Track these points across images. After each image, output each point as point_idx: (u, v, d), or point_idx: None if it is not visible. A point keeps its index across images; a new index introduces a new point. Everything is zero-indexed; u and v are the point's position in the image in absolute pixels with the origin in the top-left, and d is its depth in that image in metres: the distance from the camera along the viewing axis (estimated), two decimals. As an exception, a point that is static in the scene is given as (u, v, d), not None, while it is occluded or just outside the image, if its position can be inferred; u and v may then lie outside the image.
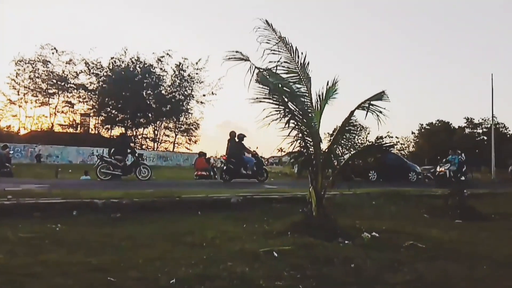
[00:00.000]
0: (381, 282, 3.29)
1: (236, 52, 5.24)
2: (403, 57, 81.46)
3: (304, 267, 3.66)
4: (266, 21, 5.56)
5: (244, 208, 7.70)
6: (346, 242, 5.01)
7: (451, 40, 78.08)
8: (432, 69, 79.09)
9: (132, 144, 29.33)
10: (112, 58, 39.77)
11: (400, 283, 3.28)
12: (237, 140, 15.17)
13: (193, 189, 10.07)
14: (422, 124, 52.01)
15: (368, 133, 41.68)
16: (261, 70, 5.69)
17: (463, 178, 19.11)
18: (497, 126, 44.81)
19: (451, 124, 50.01)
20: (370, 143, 22.24)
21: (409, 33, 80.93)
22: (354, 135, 6.34)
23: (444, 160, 20.25)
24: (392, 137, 46.52)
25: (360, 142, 35.01)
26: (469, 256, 4.32)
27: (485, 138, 42.50)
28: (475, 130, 48.06)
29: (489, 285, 3.25)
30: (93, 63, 40.61)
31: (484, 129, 45.15)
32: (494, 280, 3.39)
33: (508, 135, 45.37)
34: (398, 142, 50.02)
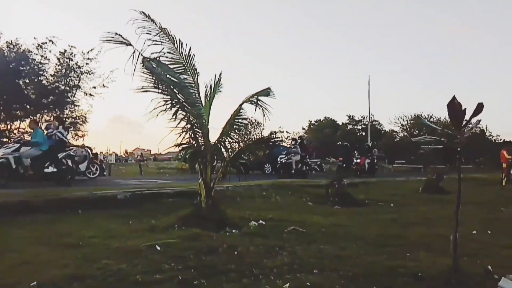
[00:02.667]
0: (260, 267, 3.38)
1: (116, 34, 4.88)
2: (294, 59, 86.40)
3: (186, 258, 3.59)
4: (143, 12, 5.34)
5: (132, 205, 7.30)
6: (233, 231, 5.09)
7: (334, 43, 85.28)
8: (320, 70, 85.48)
9: None
10: (-19, 41, 34.59)
11: (278, 266, 3.40)
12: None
13: (76, 187, 9.25)
14: (311, 121, 56.01)
15: (263, 129, 43.24)
16: (147, 58, 5.44)
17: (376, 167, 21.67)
18: (373, 123, 50.40)
19: (336, 121, 54.78)
20: (260, 137, 23.10)
21: (301, 34, 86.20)
22: (242, 127, 6.44)
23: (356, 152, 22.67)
24: (283, 132, 48.96)
25: (255, 137, 36.07)
26: (343, 238, 4.71)
27: (364, 133, 47.35)
28: (356, 126, 53.33)
29: (355, 261, 3.57)
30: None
31: (363, 126, 50.28)
32: (360, 257, 3.73)
33: (383, 131, 51.30)
34: (289, 137, 52.95)
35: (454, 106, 2.68)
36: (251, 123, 41.31)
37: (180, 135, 5.76)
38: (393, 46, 79.12)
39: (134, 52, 5.17)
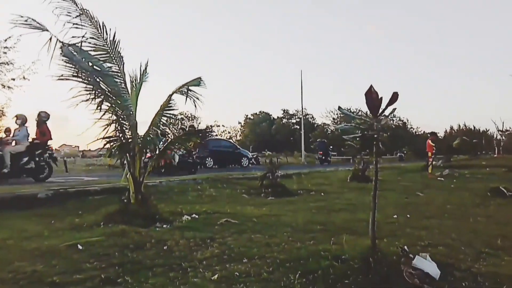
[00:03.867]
0: (189, 260, 3.32)
1: (29, 18, 4.45)
2: (229, 53, 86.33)
3: (110, 256, 3.41)
4: None
5: (54, 204, 6.80)
6: (164, 226, 4.94)
7: (267, 38, 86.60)
8: (256, 64, 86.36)
9: None
10: None
11: (208, 258, 3.37)
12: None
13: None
14: (247, 115, 56.62)
15: (199, 123, 42.85)
16: (66, 44, 5.04)
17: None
18: (307, 117, 52.16)
19: (271, 115, 55.91)
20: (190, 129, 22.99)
21: (235, 27, 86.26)
22: (173, 119, 6.26)
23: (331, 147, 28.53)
24: (219, 126, 49.02)
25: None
26: (273, 226, 4.78)
27: (298, 127, 48.83)
28: (290, 120, 54.91)
29: (283, 247, 3.64)
30: None
31: (297, 119, 51.89)
32: (288, 243, 3.82)
33: (316, 125, 53.34)
34: (226, 130, 53.10)
35: (371, 95, 2.82)
36: (186, 116, 40.73)
37: (105, 128, 5.45)
38: (326, 41, 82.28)
39: (50, 38, 4.77)
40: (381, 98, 2.84)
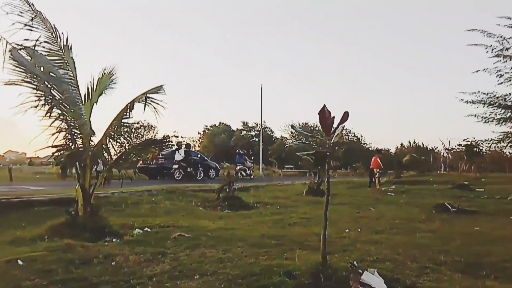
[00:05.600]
0: (138, 276, 3.21)
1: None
2: (189, 64, 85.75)
3: (53, 272, 3.23)
4: None
5: (-6, 215, 6.37)
6: (113, 240, 4.77)
7: (227, 49, 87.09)
8: (216, 76, 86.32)
9: None
10: None
11: (158, 274, 3.28)
12: None
13: None
14: (206, 126, 56.29)
15: (157, 132, 41.92)
16: (17, 47, 4.80)
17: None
18: (266, 130, 52.67)
19: (231, 126, 55.93)
20: (148, 139, 22.39)
21: (195, 38, 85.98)
22: (130, 128, 6.09)
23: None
24: (177, 136, 48.26)
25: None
26: (227, 241, 4.74)
27: (257, 139, 49.14)
28: (249, 133, 55.14)
29: (236, 263, 3.61)
30: None
31: (256, 132, 52.23)
32: (241, 259, 3.79)
33: (274, 138, 53.92)
34: (184, 141, 52.37)
35: (324, 114, 2.90)
36: (143, 125, 39.80)
37: (54, 136, 5.20)
38: (287, 55, 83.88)
39: (0, 40, 4.52)
40: (334, 117, 2.93)
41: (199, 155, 22.48)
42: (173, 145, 20.74)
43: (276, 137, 53.66)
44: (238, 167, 21.79)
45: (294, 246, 4.37)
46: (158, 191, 10.43)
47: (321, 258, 2.85)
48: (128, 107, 5.73)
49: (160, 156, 18.60)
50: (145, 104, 5.78)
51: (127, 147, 6.14)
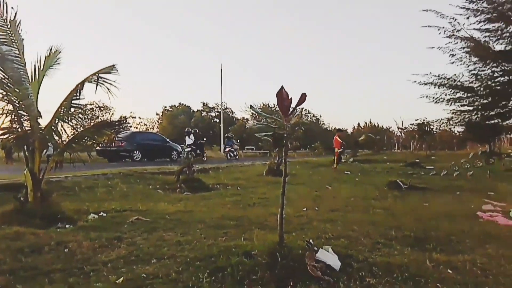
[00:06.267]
0: (93, 263, 3.12)
1: None
2: (146, 43, 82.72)
3: (1, 262, 3.07)
4: None
5: None
6: (66, 226, 4.60)
7: (188, 28, 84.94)
8: (174, 55, 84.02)
9: None
10: None
11: (113, 260, 3.20)
12: None
13: None
14: (165, 107, 54.98)
15: (113, 114, 40.52)
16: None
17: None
18: (226, 110, 52.34)
19: (191, 107, 55.01)
20: (101, 121, 21.85)
21: (154, 16, 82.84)
22: (79, 109, 5.81)
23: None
24: (135, 117, 46.95)
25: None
26: (186, 223, 4.71)
27: (217, 120, 48.78)
28: (210, 114, 54.54)
29: (195, 245, 3.60)
30: None
31: (217, 113, 51.77)
32: (200, 241, 3.79)
33: (235, 119, 53.72)
34: (142, 122, 51.05)
35: (281, 96, 2.90)
36: (98, 106, 38.31)
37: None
38: (248, 35, 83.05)
39: None
40: (291, 98, 2.94)
41: (158, 137, 22.19)
42: (131, 126, 20.39)
43: (237, 118, 53.50)
44: (227, 149, 24.61)
45: (253, 227, 4.42)
46: (114, 174, 10.14)
47: (278, 237, 2.90)
48: (79, 87, 5.46)
49: (119, 138, 18.29)
50: (96, 84, 5.54)
51: (79, 130, 5.87)
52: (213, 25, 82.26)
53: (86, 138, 6.05)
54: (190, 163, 9.33)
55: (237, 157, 24.50)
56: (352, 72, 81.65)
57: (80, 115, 6.19)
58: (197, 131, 23.06)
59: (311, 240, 3.32)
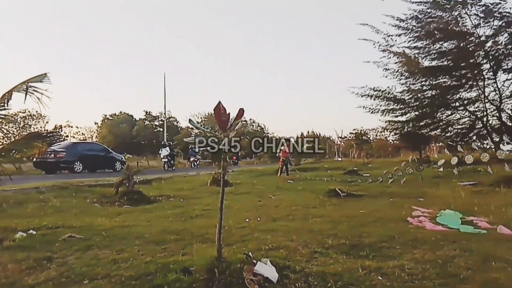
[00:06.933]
0: (19, 287, 2.90)
1: None
2: (84, 49, 79.13)
3: None
4: None
5: None
6: (-10, 247, 4.24)
7: (130, 35, 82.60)
8: (116, 63, 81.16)
9: None
10: None
11: (42, 283, 3.01)
12: None
13: None
14: (105, 115, 52.78)
15: (47, 122, 38.09)
16: None
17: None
18: (170, 120, 51.40)
19: (133, 116, 53.30)
20: (31, 133, 20.92)
21: (94, 24, 79.45)
22: (7, 121, 5.42)
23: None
24: (72, 126, 44.54)
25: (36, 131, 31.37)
26: (124, 239, 4.54)
27: (161, 129, 47.70)
28: (153, 122, 53.21)
29: (131, 263, 3.44)
30: None
31: (161, 122, 50.64)
32: (137, 258, 3.65)
33: (180, 128, 52.86)
34: (79, 131, 48.53)
35: (219, 111, 2.93)
36: (31, 115, 35.84)
37: None
38: (192, 45, 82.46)
39: None
40: (229, 113, 2.98)
41: (101, 148, 21.38)
42: (67, 136, 19.70)
43: (181, 127, 52.72)
44: (192, 159, 26.64)
45: (194, 240, 4.36)
46: (48, 187, 9.56)
47: (216, 252, 2.90)
48: (6, 97, 5.11)
49: (61, 150, 17.80)
50: (26, 94, 5.21)
51: (5, 142, 5.48)
52: (157, 32, 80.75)
53: (13, 151, 5.67)
54: (130, 175, 9.01)
55: (198, 166, 26.15)
56: (295, 83, 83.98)
57: (3, 128, 5.79)
58: (171, 143, 25.41)
59: (250, 253, 3.37)
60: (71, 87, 59.57)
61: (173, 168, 23.03)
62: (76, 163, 18.22)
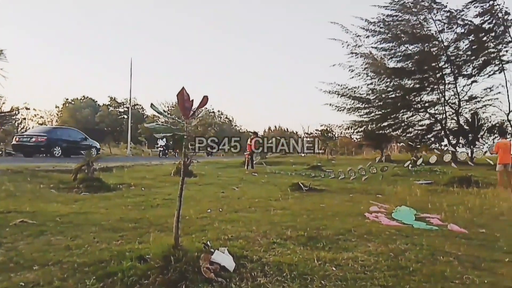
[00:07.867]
0: (-39, 273, 2.75)
1: None
2: (54, 32, 75.67)
3: None
4: None
5: None
6: None
7: (98, 20, 79.73)
8: (79, 45, 78.12)
9: None
10: None
11: (-13, 267, 2.87)
12: None
13: None
14: (67, 99, 50.77)
15: (3, 103, 36.12)
16: None
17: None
18: (136, 107, 50.17)
19: (96, 101, 51.61)
20: None
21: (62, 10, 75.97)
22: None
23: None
24: (29, 108, 42.47)
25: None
26: (80, 226, 4.41)
27: (125, 116, 46.54)
28: (117, 109, 51.75)
29: (85, 250, 3.36)
30: None
31: (126, 109, 49.38)
32: (92, 245, 3.56)
33: (145, 116, 51.74)
34: (38, 114, 46.40)
35: (182, 97, 2.88)
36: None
37: None
38: (161, 31, 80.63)
39: None
40: (192, 100, 2.94)
41: (78, 134, 21.39)
42: (24, 119, 19.64)
43: (147, 115, 51.61)
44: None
45: (152, 229, 4.30)
46: (1, 171, 9.10)
47: (174, 240, 2.87)
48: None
49: (42, 134, 18.24)
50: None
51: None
52: (126, 15, 78.35)
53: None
54: (90, 161, 8.74)
55: (167, 156, 26.73)
56: (264, 78, 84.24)
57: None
58: (167, 135, 27.00)
59: (208, 242, 3.36)
60: (31, 68, 56.69)
61: (166, 156, 26.00)
62: (55, 148, 18.42)
